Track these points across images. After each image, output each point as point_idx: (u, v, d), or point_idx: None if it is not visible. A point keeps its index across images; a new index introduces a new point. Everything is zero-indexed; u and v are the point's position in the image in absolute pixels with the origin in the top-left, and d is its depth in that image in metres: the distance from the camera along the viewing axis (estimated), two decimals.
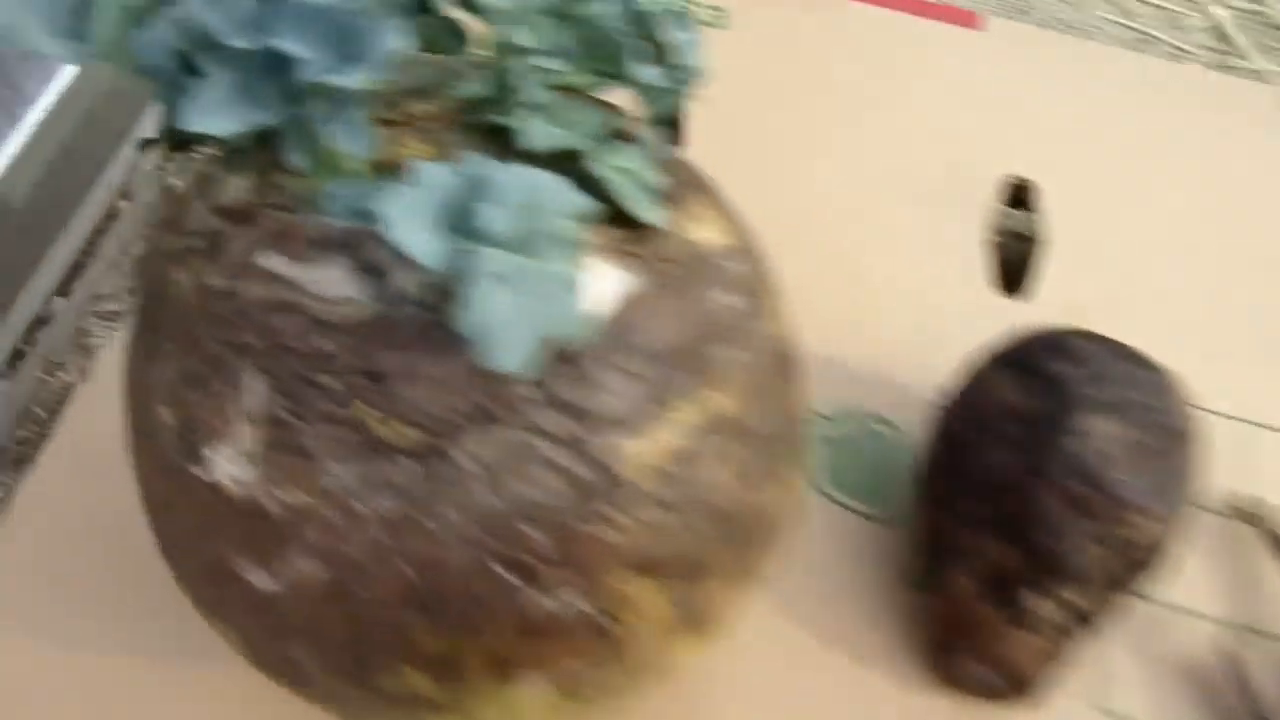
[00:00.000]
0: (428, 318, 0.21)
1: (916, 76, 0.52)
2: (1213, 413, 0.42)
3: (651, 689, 0.27)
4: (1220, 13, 0.66)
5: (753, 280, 0.26)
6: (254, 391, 0.22)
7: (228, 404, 0.22)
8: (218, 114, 0.20)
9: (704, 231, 0.25)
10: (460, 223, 0.19)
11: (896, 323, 0.43)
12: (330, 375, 0.21)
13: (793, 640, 0.36)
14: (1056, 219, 0.47)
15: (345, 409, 0.21)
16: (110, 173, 0.61)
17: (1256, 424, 0.42)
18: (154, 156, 0.64)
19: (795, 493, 0.28)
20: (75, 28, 0.20)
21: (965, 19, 0.54)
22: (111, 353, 0.44)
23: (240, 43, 0.20)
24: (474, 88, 0.23)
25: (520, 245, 0.19)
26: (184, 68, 0.23)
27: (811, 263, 0.44)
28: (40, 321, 0.58)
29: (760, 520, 0.26)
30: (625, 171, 0.23)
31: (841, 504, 0.39)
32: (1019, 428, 0.32)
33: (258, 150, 0.24)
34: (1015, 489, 0.32)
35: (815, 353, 0.42)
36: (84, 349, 0.59)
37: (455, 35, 0.23)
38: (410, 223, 0.19)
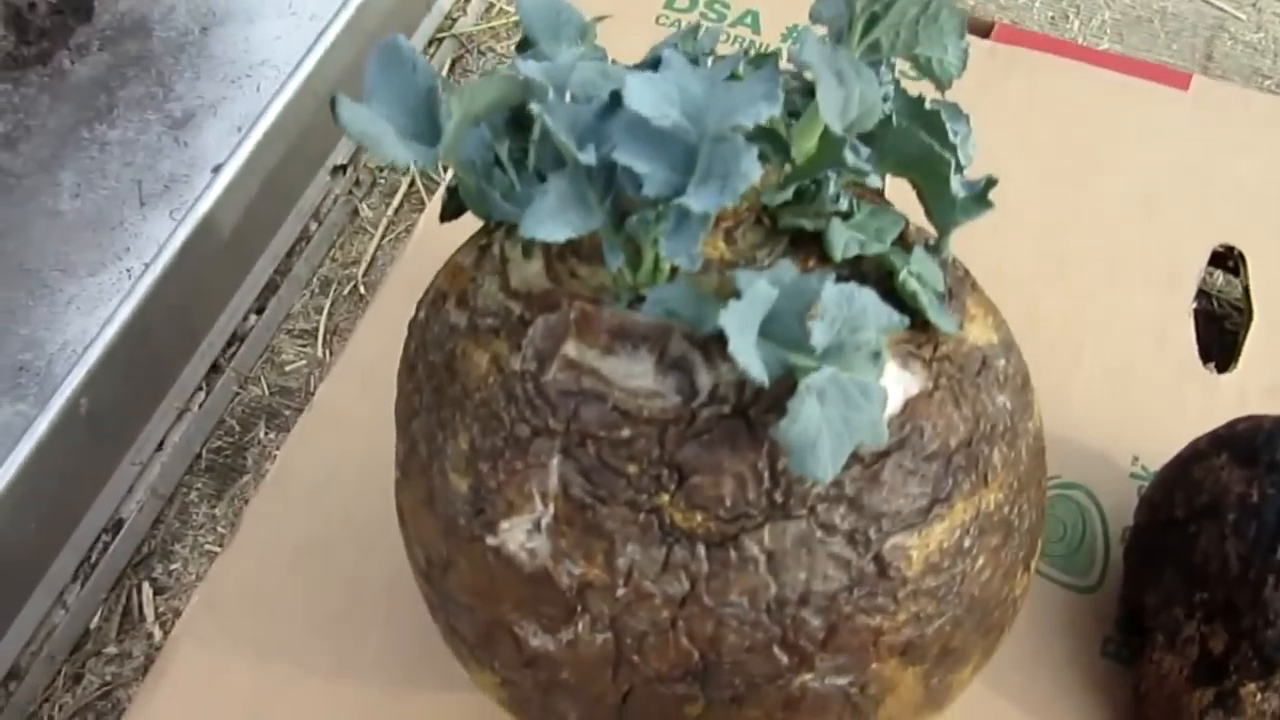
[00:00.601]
0: (728, 415, 0.22)
1: (1122, 137, 0.51)
2: None
3: None
4: None
5: (1017, 378, 0.27)
6: (555, 472, 0.23)
7: (528, 481, 0.23)
8: (554, 220, 0.21)
9: (976, 330, 0.26)
10: (779, 332, 0.20)
11: (1096, 393, 0.43)
12: (633, 463, 0.23)
13: (992, 706, 0.36)
14: (1264, 289, 0.46)
15: (646, 496, 0.22)
16: (305, 198, 0.65)
17: None
18: (344, 183, 0.67)
19: (1032, 578, 0.28)
20: (418, 132, 0.22)
21: (1176, 79, 0.53)
22: (325, 387, 0.47)
23: (584, 157, 0.21)
24: (782, 195, 0.24)
25: (835, 357, 0.20)
26: (494, 161, 0.25)
27: (1014, 331, 0.44)
28: (237, 338, 0.62)
29: (1009, 610, 0.26)
30: (920, 278, 0.24)
31: (1038, 571, 0.39)
32: (1250, 520, 0.32)
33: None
34: (1243, 581, 0.32)
35: None
36: (275, 365, 0.62)
37: (782, 149, 0.24)
38: (745, 336, 0.20)
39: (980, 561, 0.24)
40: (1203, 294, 0.47)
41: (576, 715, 0.25)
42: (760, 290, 0.20)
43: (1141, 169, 0.50)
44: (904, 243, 0.25)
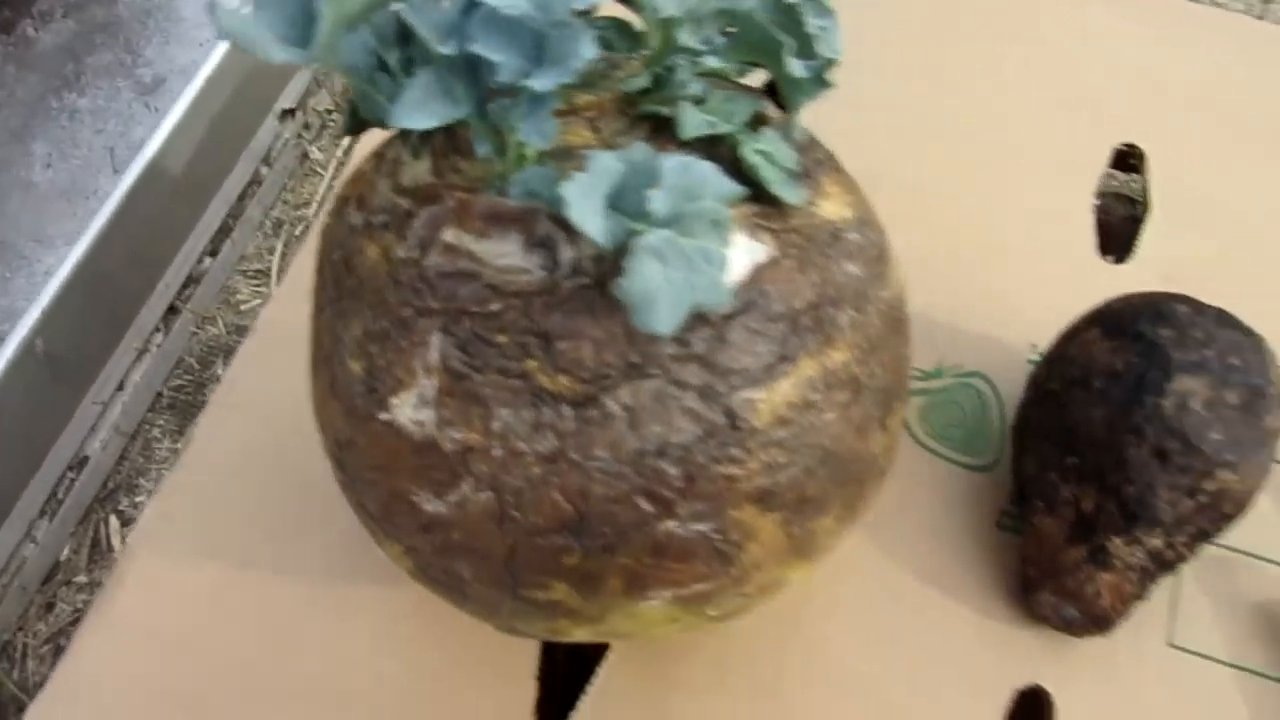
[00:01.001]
0: (588, 286, 0.25)
1: (1031, 46, 0.53)
2: None
3: (761, 607, 0.30)
4: None
5: (870, 250, 0.29)
6: (435, 347, 0.25)
7: (412, 358, 0.26)
8: (420, 111, 0.24)
9: (830, 206, 0.28)
10: (626, 204, 0.23)
11: (998, 285, 0.46)
12: (503, 334, 0.25)
13: (890, 574, 0.39)
14: (1161, 184, 0.48)
15: (515, 363, 0.25)
16: (254, 142, 0.66)
17: None
18: (293, 126, 0.69)
19: (897, 440, 0.31)
20: (297, 37, 0.24)
21: None
22: (268, 309, 0.49)
23: (445, 49, 0.23)
24: (638, 81, 0.26)
25: (676, 224, 0.22)
26: (380, 67, 0.26)
27: (922, 229, 0.46)
28: (192, 280, 0.64)
29: (867, 464, 0.29)
30: (767, 155, 0.26)
31: (938, 453, 0.42)
32: (1115, 387, 0.34)
33: (435, 136, 0.27)
34: (1109, 444, 0.34)
35: (919, 314, 0.44)
36: (231, 305, 0.64)
37: (628, 36, 0.26)
38: (585, 205, 0.22)
39: (829, 415, 0.27)
40: (1105, 190, 0.49)
41: (471, 573, 0.28)
42: (604, 163, 0.22)
43: (1051, 71, 0.52)
44: (758, 124, 0.27)
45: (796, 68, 0.26)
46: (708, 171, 0.23)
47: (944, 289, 0.45)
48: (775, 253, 0.26)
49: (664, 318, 0.22)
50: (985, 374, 0.43)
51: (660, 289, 0.22)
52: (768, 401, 0.26)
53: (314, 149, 0.70)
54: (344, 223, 0.29)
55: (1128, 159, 0.50)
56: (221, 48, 0.63)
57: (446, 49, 0.24)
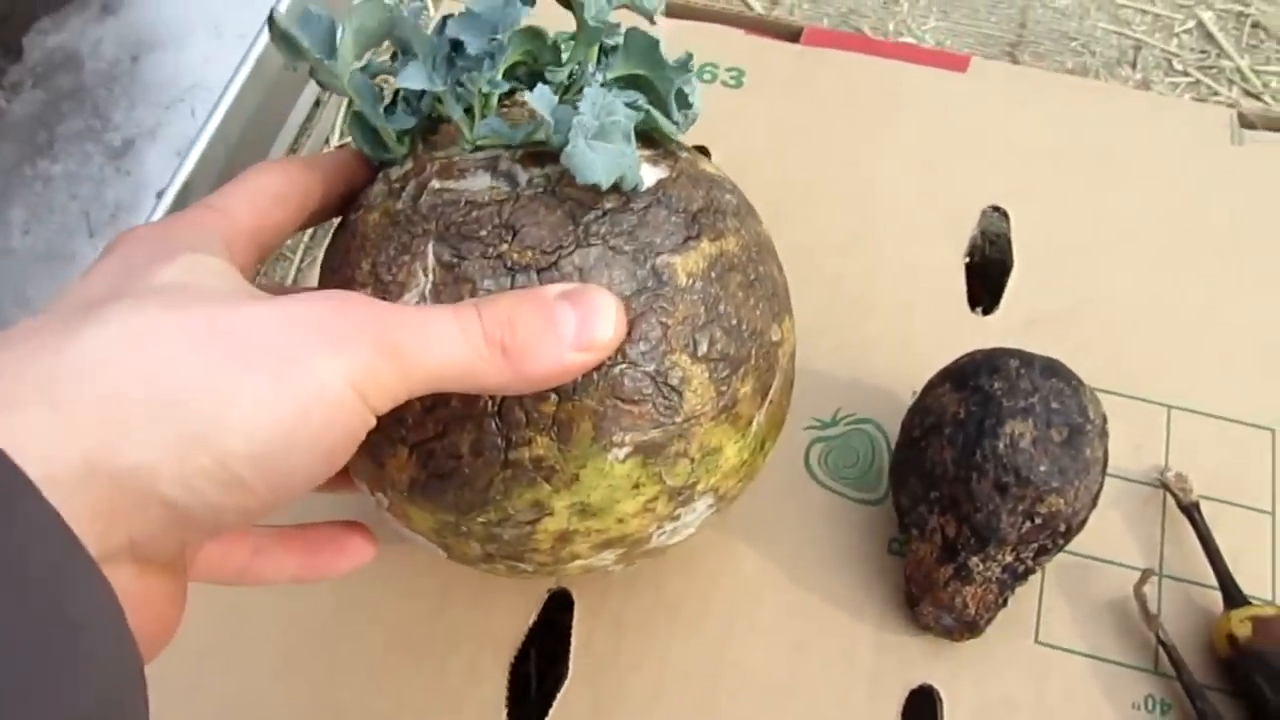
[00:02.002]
0: (541, 192, 0.34)
1: (908, 119, 0.61)
2: (1137, 399, 0.51)
3: (706, 478, 0.37)
4: (1206, 14, 0.74)
5: (743, 203, 0.39)
6: (430, 253, 0.34)
7: (414, 264, 0.34)
8: (414, 79, 0.35)
9: (707, 167, 0.39)
10: (564, 115, 0.33)
11: (884, 340, 0.53)
12: (482, 229, 0.34)
13: (799, 597, 0.46)
14: (1023, 241, 0.56)
15: (493, 248, 0.33)
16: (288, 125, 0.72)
17: (1174, 406, 0.51)
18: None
19: (791, 352, 0.39)
20: (328, 53, 0.35)
21: (955, 63, 0.63)
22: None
23: (433, 41, 0.35)
24: (559, 76, 0.37)
25: (600, 134, 0.33)
26: (378, 99, 0.37)
27: (816, 291, 0.54)
28: None
29: (771, 350, 0.37)
30: (652, 111, 0.36)
31: (837, 491, 0.49)
32: (960, 432, 0.42)
33: (414, 143, 0.38)
34: (959, 479, 0.42)
35: (817, 369, 0.52)
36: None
37: (546, 50, 0.37)
38: (542, 102, 0.33)
39: (731, 287, 0.36)
40: (975, 248, 0.57)
41: (468, 444, 0.34)
42: (544, 91, 0.33)
43: (924, 143, 0.60)
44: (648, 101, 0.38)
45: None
46: (617, 100, 0.34)
47: (836, 344, 0.53)
48: (672, 174, 0.36)
49: (600, 174, 0.32)
50: (874, 419, 0.51)
51: (596, 158, 0.32)
52: (683, 265, 0.34)
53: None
54: (345, 221, 0.38)
55: (993, 221, 0.58)
56: (214, 123, 0.68)
57: (435, 41, 0.35)
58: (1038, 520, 0.41)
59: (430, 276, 0.33)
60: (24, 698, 0.20)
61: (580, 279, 0.33)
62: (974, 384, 0.42)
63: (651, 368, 0.34)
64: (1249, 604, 0.44)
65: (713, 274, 0.35)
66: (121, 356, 0.25)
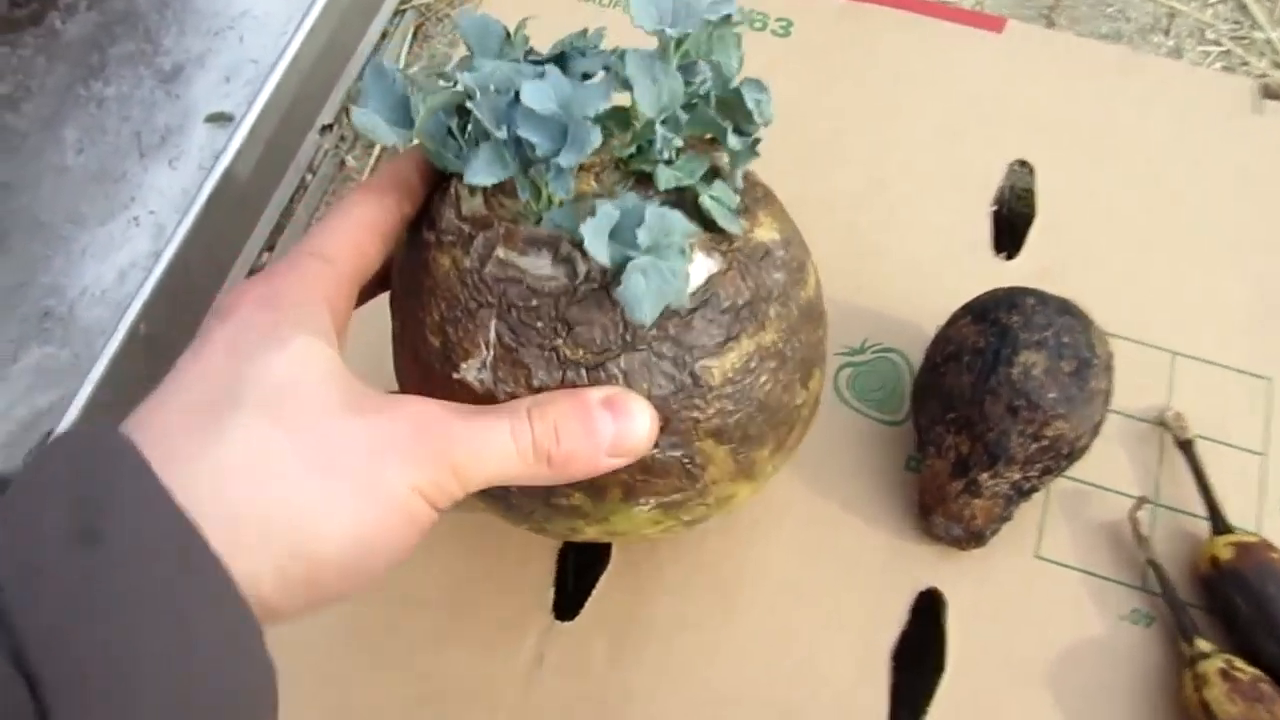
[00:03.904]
0: (597, 289, 0.36)
1: (942, 76, 0.64)
2: (1144, 344, 0.55)
3: (720, 516, 0.42)
4: None
5: (793, 263, 0.41)
6: (492, 329, 0.37)
7: (476, 336, 0.37)
8: (484, 173, 0.36)
9: (762, 231, 0.40)
10: (621, 238, 0.34)
11: (912, 277, 0.57)
12: (540, 320, 0.37)
13: (820, 506, 0.51)
14: (1046, 195, 0.60)
15: (548, 341, 0.37)
16: (301, 153, 0.77)
17: (1178, 353, 0.55)
18: (331, 139, 0.79)
19: (816, 396, 0.43)
20: (399, 122, 0.36)
21: (991, 24, 0.66)
22: None
23: (500, 133, 0.35)
24: (628, 149, 0.38)
25: (654, 251, 0.34)
26: (448, 134, 0.38)
27: (850, 240, 0.58)
28: (254, 270, 0.75)
29: (792, 412, 0.41)
30: (717, 199, 0.38)
31: (862, 412, 0.53)
32: (978, 360, 0.46)
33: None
34: (974, 403, 0.46)
35: (848, 302, 0.56)
36: None
37: (622, 120, 0.38)
38: (595, 238, 0.34)
39: (763, 378, 0.39)
40: (1002, 199, 0.61)
41: (516, 486, 0.39)
42: (607, 210, 0.35)
43: (956, 99, 0.63)
44: (713, 176, 0.39)
45: (734, 142, 0.38)
46: (675, 216, 0.35)
47: (865, 281, 0.57)
48: (723, 265, 0.38)
49: (647, 312, 0.34)
50: (899, 349, 0.55)
51: (644, 294, 0.34)
52: (719, 367, 0.38)
53: (349, 158, 0.80)
54: (418, 239, 0.41)
55: (1019, 175, 0.61)
56: (281, 65, 0.72)
57: (500, 133, 0.36)
58: (1044, 442, 0.45)
59: (491, 351, 0.37)
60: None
61: (623, 382, 0.37)
62: (993, 317, 0.47)
63: (679, 454, 0.38)
64: (1235, 532, 0.48)
65: (749, 366, 0.38)
66: (240, 476, 0.29)
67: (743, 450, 0.39)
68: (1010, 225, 0.60)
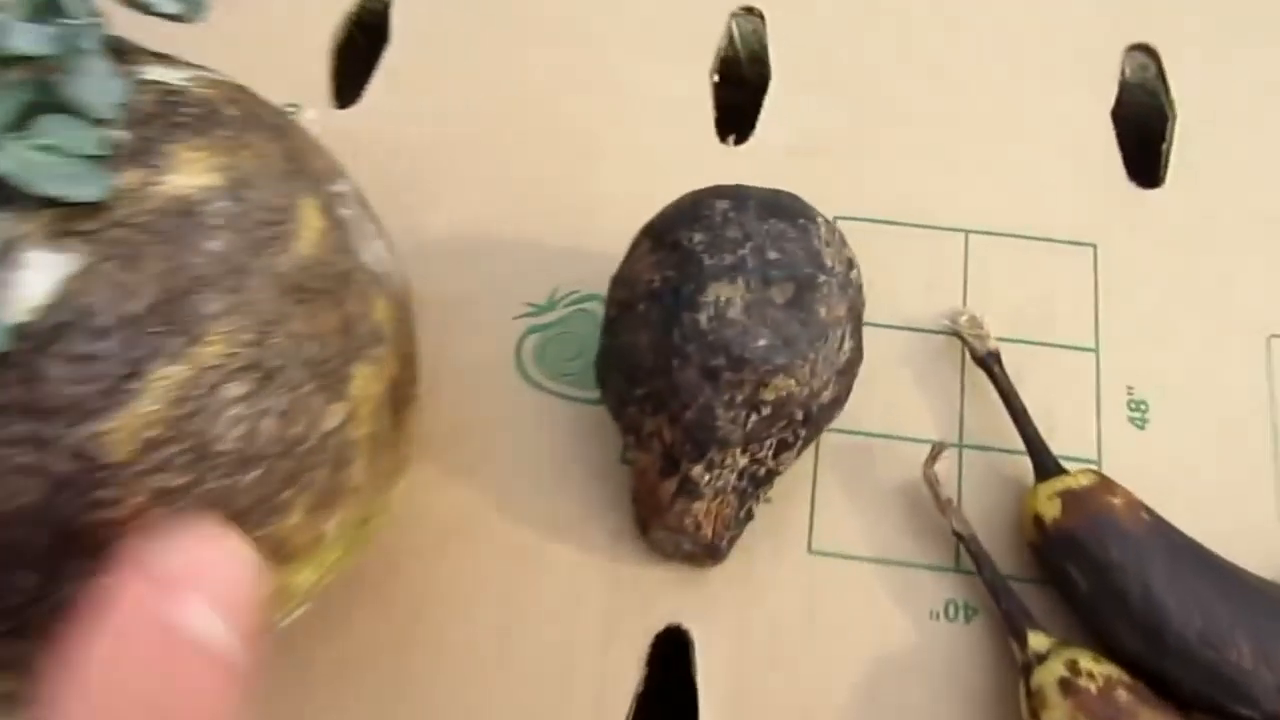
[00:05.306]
0: None
1: None
2: (935, 228, 0.41)
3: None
4: None
5: (255, 215, 0.25)
6: None
7: None
8: None
9: (182, 178, 0.24)
10: None
11: (615, 188, 0.42)
12: None
13: (511, 533, 0.36)
14: (781, 50, 0.45)
15: None
16: None
17: (978, 231, 0.41)
18: None
19: (378, 402, 0.28)
20: None
21: None
22: None
23: None
24: None
25: None
26: None
27: (536, 143, 0.43)
28: None
29: (319, 445, 0.25)
30: (51, 149, 0.22)
31: (556, 393, 0.39)
32: (654, 307, 0.31)
33: None
34: (659, 370, 0.31)
35: (530, 240, 0.41)
36: None
37: None
38: None
39: (227, 415, 0.23)
40: (725, 63, 0.45)
41: None
42: None
43: None
44: (41, 111, 0.23)
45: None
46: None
47: (556, 206, 0.42)
48: (90, 259, 0.22)
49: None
50: (601, 295, 0.40)
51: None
52: (123, 430, 0.22)
53: None
54: None
55: (746, 28, 0.46)
56: None
57: None
58: (764, 411, 0.31)
59: None
60: None
61: None
62: (671, 239, 0.32)
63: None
64: (1063, 473, 0.35)
65: (184, 413, 0.23)
66: None
67: (251, 529, 0.24)
68: (740, 98, 0.45)
